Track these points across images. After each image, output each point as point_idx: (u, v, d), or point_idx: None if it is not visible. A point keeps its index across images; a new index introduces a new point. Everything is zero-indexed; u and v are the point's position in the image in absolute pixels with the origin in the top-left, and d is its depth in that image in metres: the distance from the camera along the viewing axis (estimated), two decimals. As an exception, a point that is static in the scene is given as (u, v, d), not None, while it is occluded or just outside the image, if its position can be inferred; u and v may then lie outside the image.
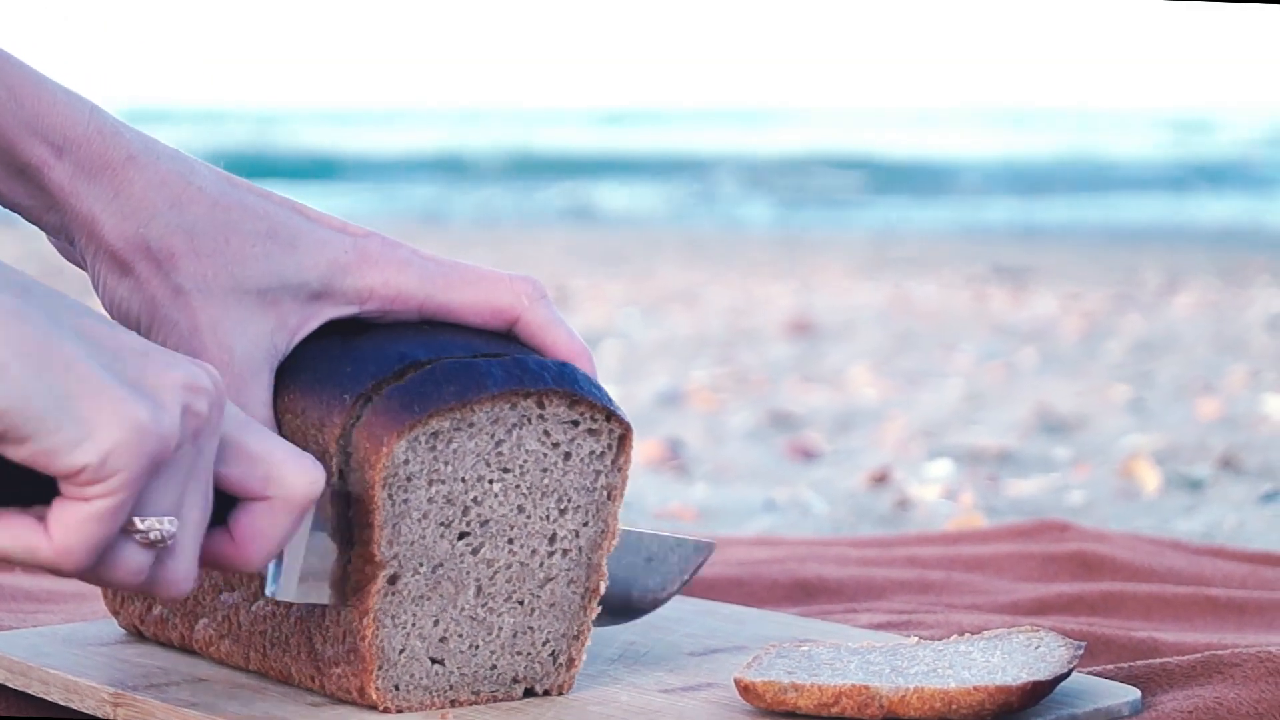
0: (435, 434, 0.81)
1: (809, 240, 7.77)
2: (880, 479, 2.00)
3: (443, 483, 0.82)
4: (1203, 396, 3.02)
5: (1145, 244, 7.74)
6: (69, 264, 0.85)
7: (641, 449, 2.34)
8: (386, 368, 0.82)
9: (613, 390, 3.41)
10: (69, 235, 0.82)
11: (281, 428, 0.83)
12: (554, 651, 0.86)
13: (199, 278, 0.80)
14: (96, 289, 0.82)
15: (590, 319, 4.41)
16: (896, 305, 4.91)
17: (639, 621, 1.01)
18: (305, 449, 0.81)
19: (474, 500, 0.83)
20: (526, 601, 0.85)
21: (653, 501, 1.85)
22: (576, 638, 0.87)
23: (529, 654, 0.86)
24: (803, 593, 1.20)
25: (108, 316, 0.79)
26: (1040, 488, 2.00)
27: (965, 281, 5.69)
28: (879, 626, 1.08)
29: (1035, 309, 4.82)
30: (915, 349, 3.90)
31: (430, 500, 0.82)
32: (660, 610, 1.04)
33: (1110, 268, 6.30)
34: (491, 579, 0.84)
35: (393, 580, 0.82)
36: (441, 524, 0.82)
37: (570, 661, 0.87)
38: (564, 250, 6.76)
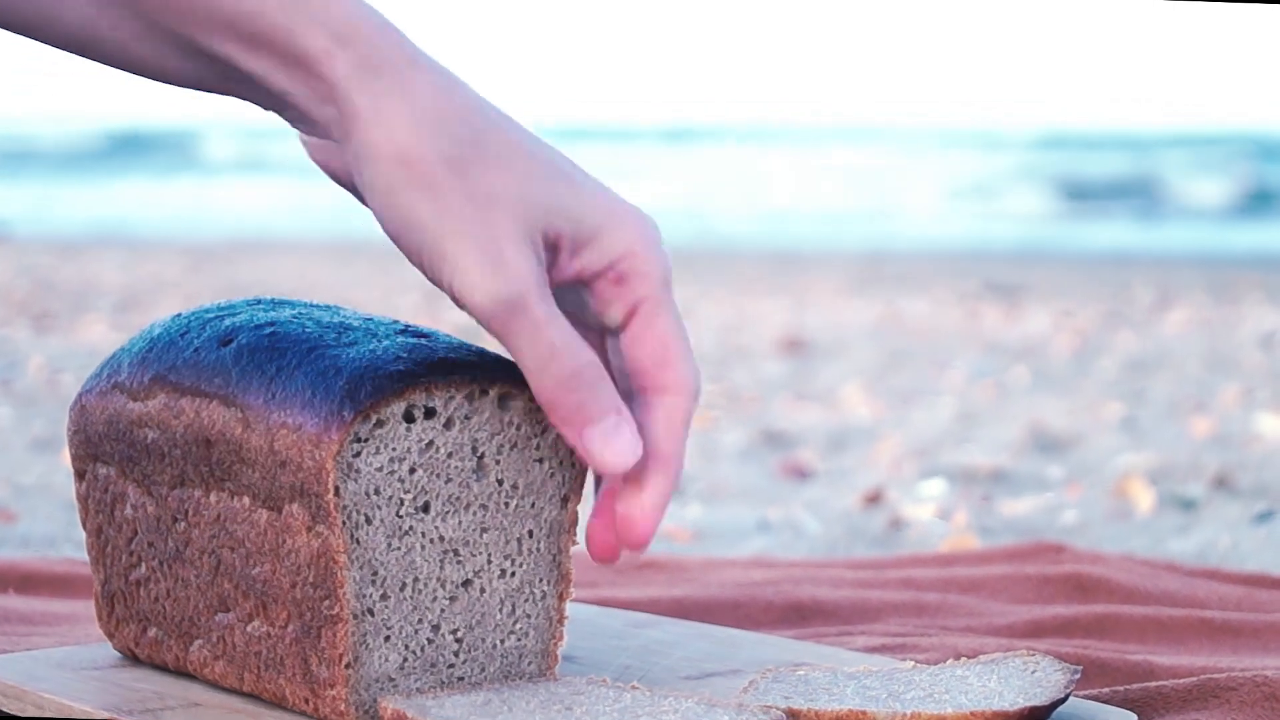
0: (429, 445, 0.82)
1: (800, 257, 7.77)
2: (873, 499, 2.00)
3: (423, 496, 0.84)
4: (1195, 415, 3.02)
5: (1135, 261, 7.75)
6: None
7: (635, 468, 2.33)
8: (384, 385, 0.82)
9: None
10: (341, 131, 0.78)
11: (275, 442, 0.83)
12: (537, 650, 0.88)
13: (489, 188, 0.77)
14: (364, 191, 0.78)
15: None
16: (889, 323, 4.91)
17: (634, 644, 1.01)
18: (301, 464, 0.82)
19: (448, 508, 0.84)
20: (510, 606, 0.86)
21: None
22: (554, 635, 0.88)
23: (513, 656, 0.87)
24: (798, 615, 1.20)
25: None
26: (1034, 507, 2.00)
27: (957, 299, 5.70)
28: (874, 650, 1.08)
29: (1027, 326, 4.82)
30: (908, 367, 3.89)
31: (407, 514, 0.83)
32: (654, 633, 1.04)
33: (1102, 285, 6.31)
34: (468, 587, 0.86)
35: (384, 597, 0.83)
36: (427, 539, 0.84)
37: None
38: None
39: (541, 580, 0.88)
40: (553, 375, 0.78)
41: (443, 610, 0.86)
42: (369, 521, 0.83)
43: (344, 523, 0.82)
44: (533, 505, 0.87)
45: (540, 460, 0.87)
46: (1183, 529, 1.88)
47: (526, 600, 0.88)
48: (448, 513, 0.85)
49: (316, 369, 0.83)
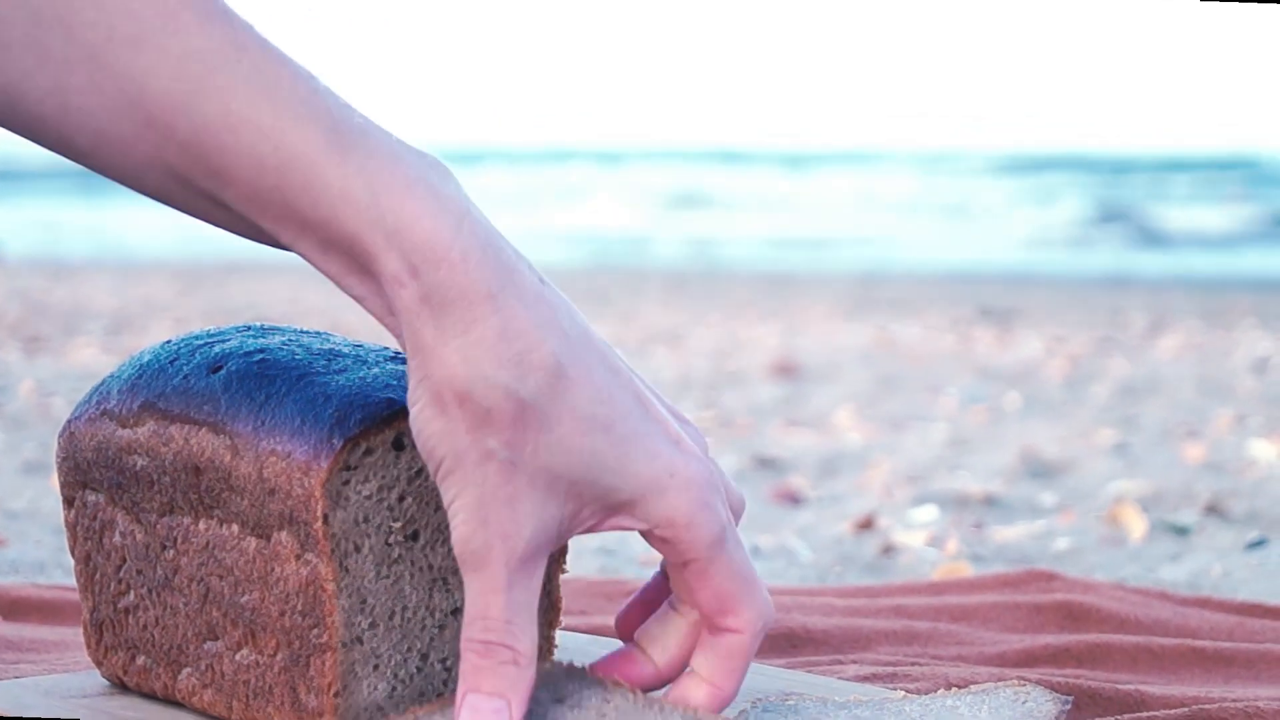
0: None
1: (793, 280, 7.78)
2: (865, 525, 1.99)
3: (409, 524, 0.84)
4: (1188, 441, 3.02)
5: (1129, 286, 7.76)
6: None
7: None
8: (374, 412, 0.82)
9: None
10: (405, 349, 0.77)
11: (264, 469, 0.82)
12: None
13: (515, 448, 0.75)
14: (410, 408, 0.77)
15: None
16: (881, 347, 4.91)
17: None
18: (290, 492, 0.81)
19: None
20: None
21: (639, 549, 1.85)
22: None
23: None
24: (789, 643, 1.20)
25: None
26: (1026, 534, 2.00)
27: (950, 323, 5.70)
28: (865, 679, 1.08)
29: (1020, 352, 4.82)
30: (900, 392, 3.90)
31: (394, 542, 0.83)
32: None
33: (1095, 310, 6.31)
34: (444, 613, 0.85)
35: (372, 626, 0.83)
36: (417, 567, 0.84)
37: None
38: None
39: None
40: (473, 634, 0.77)
41: (431, 639, 0.85)
42: (358, 550, 0.83)
43: (333, 551, 0.82)
44: None
45: None
46: (1175, 556, 1.88)
47: None
48: (437, 541, 0.85)
49: (306, 396, 0.83)
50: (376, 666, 0.83)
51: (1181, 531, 2.03)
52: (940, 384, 4.03)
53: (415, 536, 0.84)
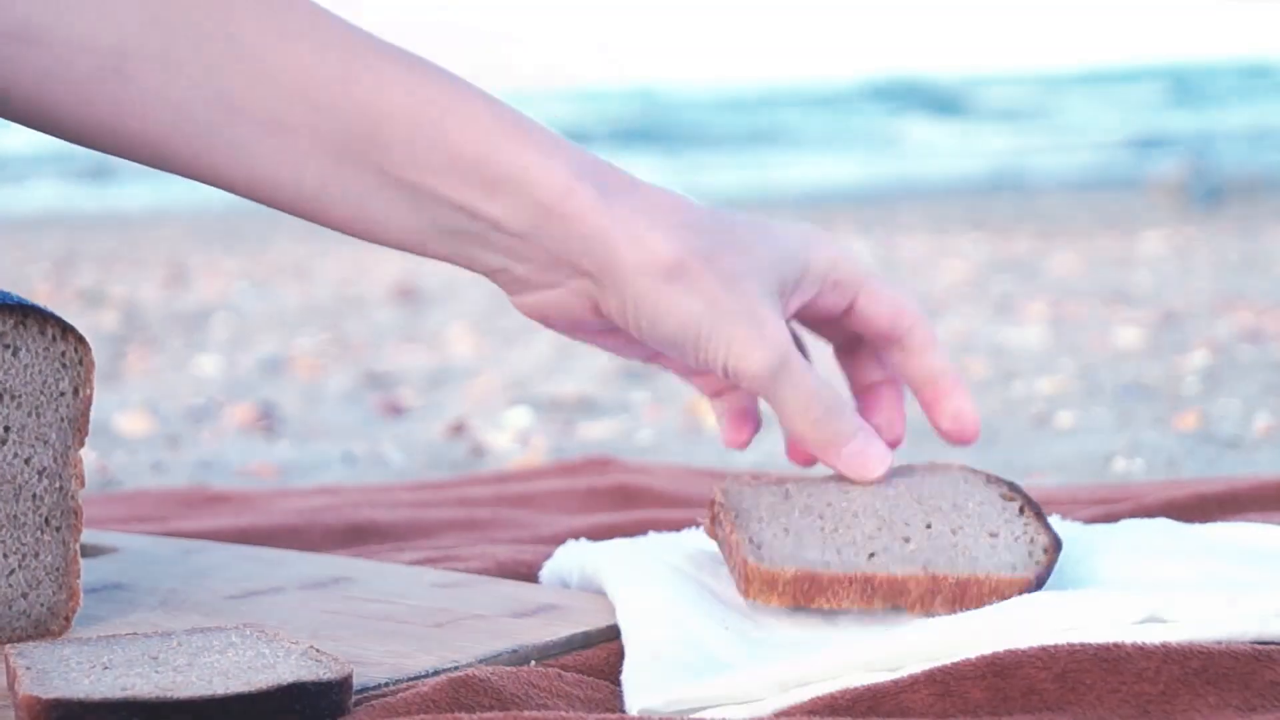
0: None
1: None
2: (457, 429, 2.06)
3: None
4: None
5: (737, 202, 7.96)
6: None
7: (233, 413, 2.36)
8: None
9: (217, 360, 3.39)
10: (595, 261, 0.85)
11: None
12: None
13: (735, 268, 0.86)
14: (627, 309, 0.86)
15: (203, 295, 4.39)
16: (500, 266, 4.98)
17: (182, 570, 1.05)
18: None
19: None
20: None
21: (235, 461, 1.88)
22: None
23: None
24: (356, 536, 1.25)
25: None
26: (611, 430, 2.09)
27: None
28: (418, 563, 1.13)
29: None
30: (512, 308, 3.97)
31: None
32: (204, 558, 1.08)
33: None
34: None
35: None
36: None
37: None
38: (184, 232, 6.68)
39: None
40: (812, 416, 0.88)
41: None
42: None
43: None
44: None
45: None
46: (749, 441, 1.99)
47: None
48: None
49: None
50: None
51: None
52: (552, 298, 4.11)
53: None
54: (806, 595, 0.85)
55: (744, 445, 0.97)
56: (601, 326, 0.91)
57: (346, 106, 0.85)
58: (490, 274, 0.90)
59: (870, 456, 0.90)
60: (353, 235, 0.90)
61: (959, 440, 0.94)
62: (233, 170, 0.87)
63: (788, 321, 0.91)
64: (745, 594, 0.86)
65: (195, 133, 0.86)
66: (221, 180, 0.88)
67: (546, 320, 0.92)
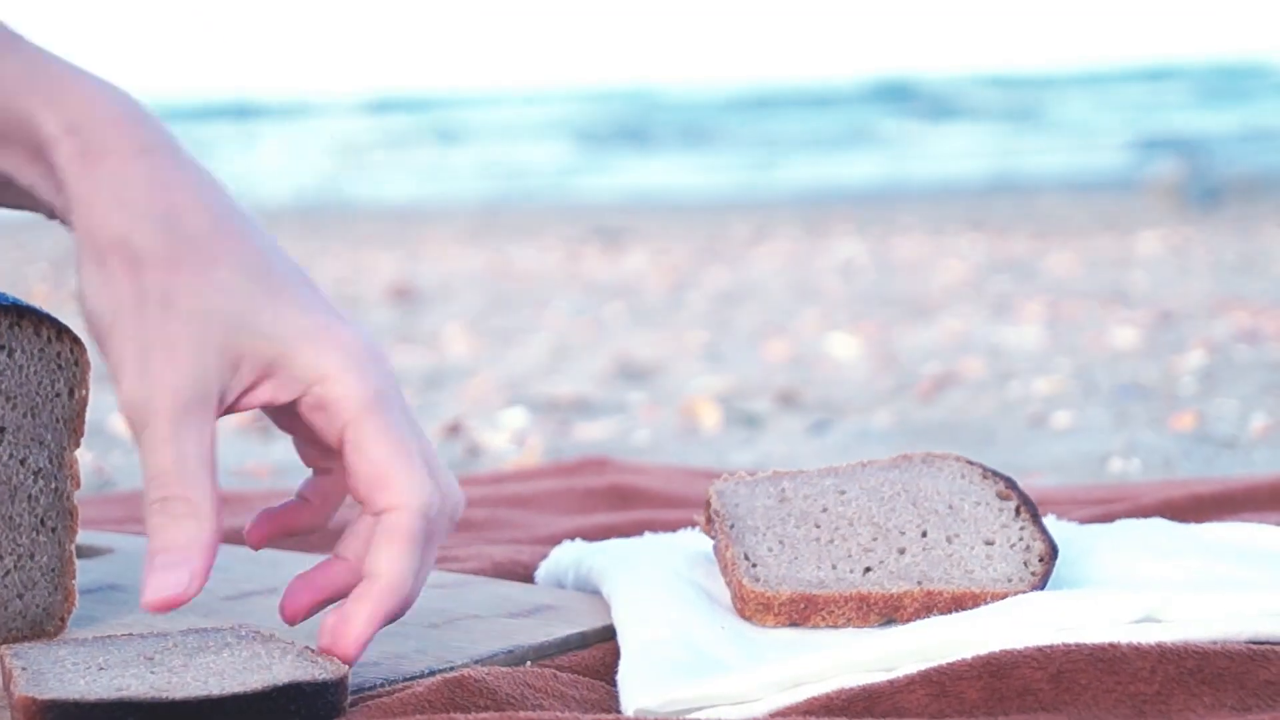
0: None
1: (419, 212, 7.80)
2: (453, 429, 2.06)
3: None
4: (773, 339, 3.16)
5: (739, 203, 7.97)
6: None
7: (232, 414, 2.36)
8: None
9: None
10: (66, 218, 0.77)
11: None
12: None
13: (170, 288, 0.75)
14: (77, 274, 0.77)
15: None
16: (495, 269, 4.99)
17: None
18: None
19: None
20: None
21: (231, 461, 1.89)
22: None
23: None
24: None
25: None
26: (607, 430, 2.09)
27: (563, 244, 5.80)
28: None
29: (626, 267, 4.95)
30: (509, 309, 3.97)
31: None
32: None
33: (703, 226, 6.48)
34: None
35: None
36: None
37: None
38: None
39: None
40: (150, 492, 0.76)
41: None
42: None
43: None
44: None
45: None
46: (746, 442, 1.99)
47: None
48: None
49: None
50: None
51: (753, 420, 2.14)
52: (548, 300, 4.12)
53: None
54: (802, 615, 0.85)
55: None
56: None
57: None
58: (45, 215, 0.81)
59: (163, 576, 0.75)
60: None
61: (325, 651, 0.78)
62: None
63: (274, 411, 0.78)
64: (741, 614, 0.86)
65: None
66: None
67: None
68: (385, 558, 0.77)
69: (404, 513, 0.77)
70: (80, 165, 0.76)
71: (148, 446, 0.75)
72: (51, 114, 0.76)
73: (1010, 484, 0.92)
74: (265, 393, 0.77)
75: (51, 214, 0.80)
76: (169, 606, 0.76)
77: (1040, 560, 0.86)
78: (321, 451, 0.81)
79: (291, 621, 0.81)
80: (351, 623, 0.77)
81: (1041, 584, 0.84)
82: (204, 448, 0.75)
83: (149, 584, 0.76)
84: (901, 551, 0.87)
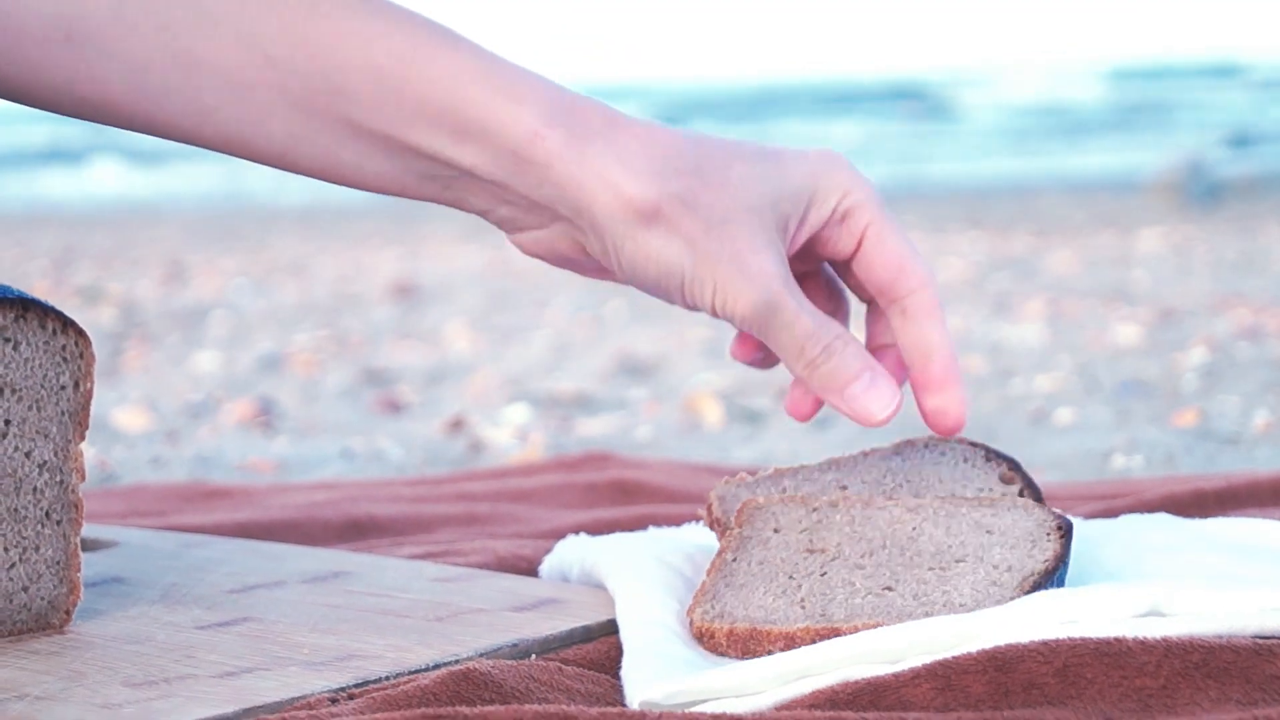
0: None
1: (419, 210, 7.80)
2: (456, 425, 2.06)
3: None
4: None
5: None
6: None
7: (232, 409, 2.36)
8: None
9: (216, 357, 3.38)
10: (568, 208, 0.83)
11: None
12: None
13: (714, 210, 0.83)
14: (609, 255, 0.84)
15: (201, 292, 4.39)
16: (496, 267, 4.99)
17: (183, 564, 1.05)
18: None
19: None
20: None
21: (233, 457, 1.88)
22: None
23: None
24: (355, 531, 1.25)
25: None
26: (609, 426, 2.09)
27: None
28: (418, 557, 1.13)
29: (629, 262, 4.94)
30: (510, 306, 3.98)
31: None
32: (205, 552, 1.08)
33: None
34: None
35: None
36: None
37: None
38: (182, 229, 6.68)
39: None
40: (809, 355, 0.84)
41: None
42: None
43: None
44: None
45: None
46: (747, 439, 1.99)
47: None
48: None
49: None
50: None
51: (754, 417, 2.14)
52: (549, 297, 4.12)
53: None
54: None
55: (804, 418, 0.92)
56: (595, 265, 0.88)
57: (303, 60, 0.82)
58: (479, 214, 0.87)
59: (872, 399, 0.85)
60: (330, 182, 0.87)
61: (940, 433, 0.89)
62: (199, 127, 0.85)
63: (796, 258, 0.87)
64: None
65: (155, 92, 0.84)
66: (188, 137, 0.86)
67: (542, 258, 0.89)
68: (933, 330, 0.87)
69: (929, 289, 0.87)
70: (574, 151, 0.82)
71: (785, 327, 0.84)
72: (523, 112, 0.82)
73: (1014, 466, 0.91)
74: (809, 229, 0.86)
75: (484, 213, 0.86)
76: (895, 409, 0.86)
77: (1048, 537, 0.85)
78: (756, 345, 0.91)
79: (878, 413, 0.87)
80: (953, 391, 0.87)
81: (1055, 565, 0.83)
82: (808, 301, 0.85)
83: (869, 407, 0.85)
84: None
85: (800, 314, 0.84)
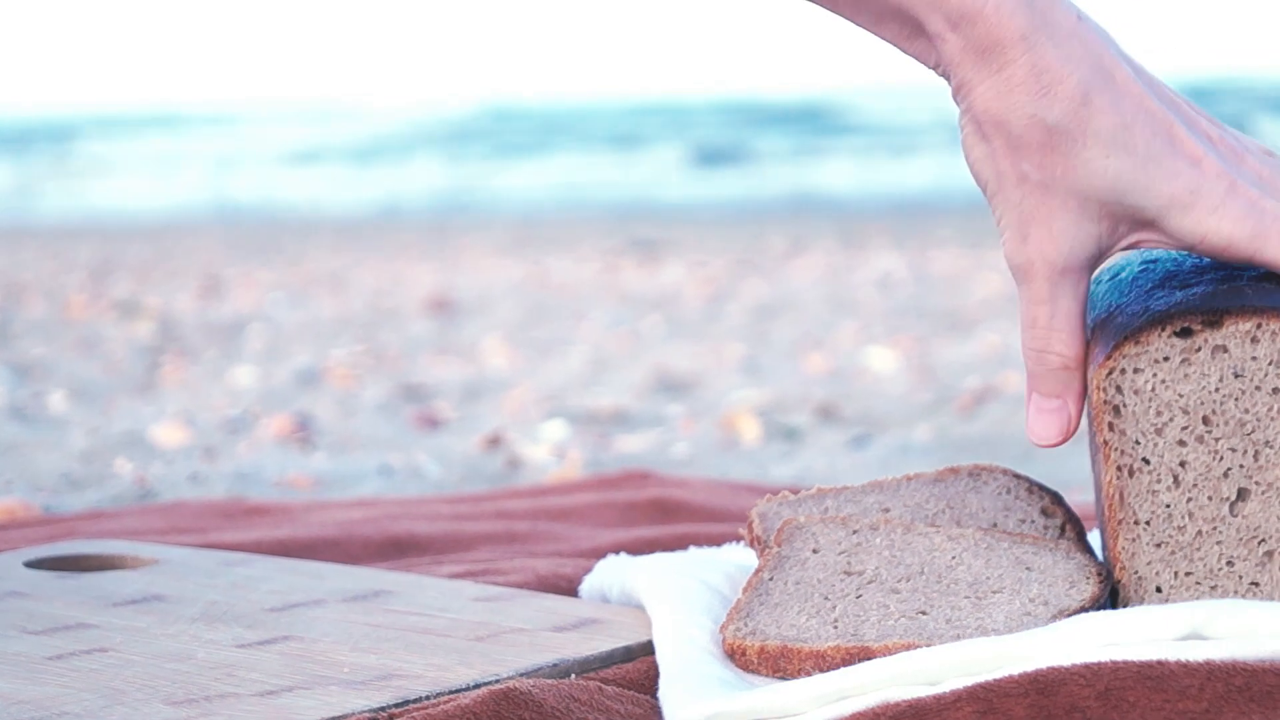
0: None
1: (457, 224, 7.82)
2: (494, 441, 2.06)
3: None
4: (812, 352, 3.16)
5: (775, 214, 7.97)
6: None
7: (269, 424, 2.37)
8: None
9: (253, 371, 3.39)
10: (955, 95, 0.86)
11: None
12: None
13: (1047, 170, 0.84)
14: (962, 133, 0.86)
15: (239, 305, 4.40)
16: (532, 280, 4.99)
17: (223, 582, 1.05)
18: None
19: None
20: None
21: (272, 473, 1.89)
22: None
23: None
24: (395, 549, 1.25)
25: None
26: (647, 443, 2.09)
27: (600, 256, 5.81)
28: (458, 576, 1.13)
29: (663, 278, 4.95)
30: (547, 320, 3.98)
31: None
32: (245, 570, 1.08)
33: (739, 237, 6.48)
34: None
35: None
36: None
37: None
38: (219, 242, 6.70)
39: None
40: (1028, 342, 0.86)
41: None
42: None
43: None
44: None
45: None
46: (785, 455, 1.99)
47: None
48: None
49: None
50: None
51: (792, 433, 2.14)
52: (586, 311, 4.13)
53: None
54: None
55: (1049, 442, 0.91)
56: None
57: None
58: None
59: (1047, 422, 0.86)
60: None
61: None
62: None
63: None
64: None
65: None
66: None
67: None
68: None
69: None
70: (966, 59, 0.84)
71: (1026, 299, 0.85)
72: (934, 12, 0.84)
73: (1057, 499, 0.91)
74: (1139, 242, 0.85)
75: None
76: (1052, 444, 0.87)
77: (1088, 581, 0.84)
78: None
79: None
80: None
81: (1091, 606, 0.83)
82: (1076, 305, 0.86)
83: (1034, 426, 0.87)
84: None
85: (1045, 301, 0.85)
